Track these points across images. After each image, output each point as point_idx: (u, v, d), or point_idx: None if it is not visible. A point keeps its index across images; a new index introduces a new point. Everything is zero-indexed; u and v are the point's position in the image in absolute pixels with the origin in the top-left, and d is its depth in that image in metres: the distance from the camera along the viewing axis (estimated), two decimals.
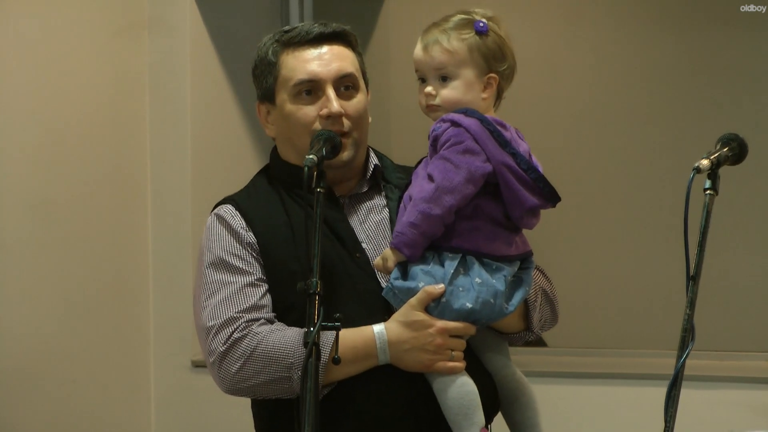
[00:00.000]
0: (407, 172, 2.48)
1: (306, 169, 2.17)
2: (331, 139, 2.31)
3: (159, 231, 4.27)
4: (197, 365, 4.26)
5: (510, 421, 2.39)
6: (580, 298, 4.92)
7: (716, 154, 2.17)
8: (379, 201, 2.47)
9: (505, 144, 2.27)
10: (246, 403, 2.45)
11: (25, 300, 3.76)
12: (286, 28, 2.46)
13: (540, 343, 4.46)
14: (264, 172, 2.52)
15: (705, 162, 2.14)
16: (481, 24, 2.31)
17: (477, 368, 2.35)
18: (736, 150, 2.22)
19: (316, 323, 2.04)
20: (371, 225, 2.43)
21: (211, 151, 4.34)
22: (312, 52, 2.40)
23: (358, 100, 2.42)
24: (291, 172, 2.43)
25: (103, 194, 4.07)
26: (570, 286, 4.92)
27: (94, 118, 4.03)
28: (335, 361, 2.11)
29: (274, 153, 2.51)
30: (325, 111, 2.37)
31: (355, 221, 2.43)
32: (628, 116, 4.91)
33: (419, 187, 2.27)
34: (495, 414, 2.40)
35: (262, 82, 2.46)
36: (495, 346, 2.39)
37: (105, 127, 4.08)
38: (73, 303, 3.93)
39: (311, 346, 2.01)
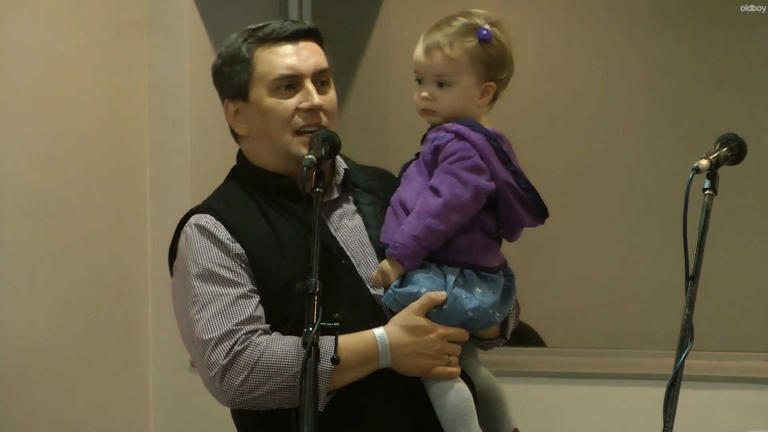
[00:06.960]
0: (372, 174, 2.48)
1: (305, 169, 2.17)
2: (329, 139, 2.30)
3: (158, 232, 4.26)
4: None
5: (484, 418, 2.39)
6: (580, 298, 4.92)
7: (715, 154, 2.18)
8: (349, 206, 2.45)
9: (507, 161, 2.28)
10: None
11: (24, 301, 3.75)
12: (253, 26, 2.49)
13: (539, 343, 4.46)
14: (234, 178, 2.48)
15: (704, 162, 2.15)
16: (485, 32, 2.29)
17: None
18: (735, 150, 2.23)
19: (315, 323, 2.03)
20: (346, 232, 2.40)
21: (210, 151, 4.33)
22: (289, 48, 2.41)
23: (332, 96, 2.42)
24: (266, 178, 2.41)
25: (102, 195, 4.07)
26: (569, 286, 4.93)
27: (93, 119, 4.03)
28: (334, 361, 2.10)
29: (242, 157, 2.48)
30: (306, 104, 2.36)
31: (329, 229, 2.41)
32: (627, 116, 4.90)
33: (423, 200, 2.26)
34: None
35: (232, 80, 2.47)
36: (468, 351, 2.39)
37: (104, 128, 4.07)
38: (72, 304, 3.93)
39: (310, 346, 2.01)
